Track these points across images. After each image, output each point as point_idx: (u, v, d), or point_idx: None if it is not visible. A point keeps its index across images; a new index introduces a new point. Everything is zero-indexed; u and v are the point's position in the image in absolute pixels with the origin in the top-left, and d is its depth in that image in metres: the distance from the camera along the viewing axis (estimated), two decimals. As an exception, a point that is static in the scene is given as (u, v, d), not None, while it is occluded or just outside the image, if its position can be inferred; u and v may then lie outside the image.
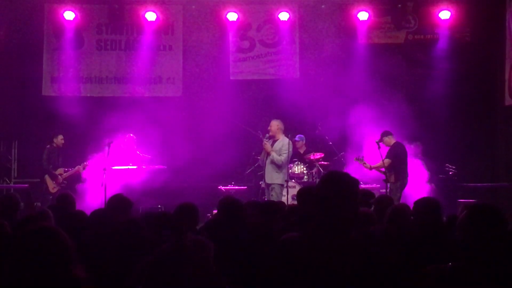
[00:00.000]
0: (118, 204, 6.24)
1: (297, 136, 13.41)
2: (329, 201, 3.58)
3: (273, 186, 11.75)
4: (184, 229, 4.35)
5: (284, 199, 11.55)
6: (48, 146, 12.68)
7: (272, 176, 11.79)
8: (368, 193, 7.46)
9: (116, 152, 12.53)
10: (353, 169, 11.93)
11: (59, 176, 12.66)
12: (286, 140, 11.93)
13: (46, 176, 12.50)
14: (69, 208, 7.52)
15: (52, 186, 12.47)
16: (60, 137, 12.76)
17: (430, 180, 13.02)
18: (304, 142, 13.66)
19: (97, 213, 5.94)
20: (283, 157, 11.73)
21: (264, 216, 6.28)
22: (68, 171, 12.76)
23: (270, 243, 4.53)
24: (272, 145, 11.89)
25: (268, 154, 11.83)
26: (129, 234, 4.11)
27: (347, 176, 3.71)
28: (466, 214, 3.84)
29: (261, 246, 5.13)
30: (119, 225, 4.09)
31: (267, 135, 11.99)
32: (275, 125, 12.01)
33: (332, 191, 3.60)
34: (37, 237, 3.32)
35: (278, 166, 11.75)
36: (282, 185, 11.79)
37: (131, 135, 12.94)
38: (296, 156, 13.03)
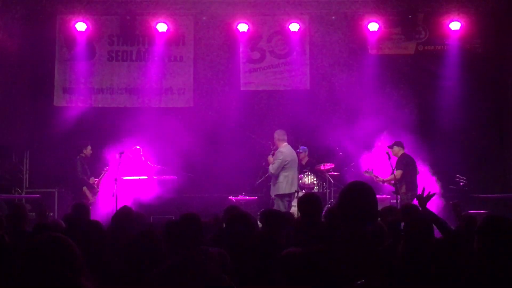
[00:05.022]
0: (123, 216, 6.27)
1: (301, 147, 13.16)
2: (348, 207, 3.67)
3: (274, 198, 11.70)
4: (192, 240, 4.34)
5: (294, 209, 11.42)
6: (78, 157, 12.64)
7: (272, 189, 11.76)
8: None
9: (127, 163, 12.55)
10: (363, 179, 11.88)
11: (95, 185, 12.67)
12: (283, 148, 11.75)
13: (85, 188, 12.44)
14: (84, 218, 7.57)
15: (90, 196, 12.45)
16: (89, 147, 12.74)
17: (441, 193, 12.94)
18: (306, 153, 13.48)
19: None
20: (274, 165, 11.55)
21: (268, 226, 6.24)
22: (95, 180, 12.75)
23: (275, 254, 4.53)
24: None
25: None
26: (138, 246, 4.12)
27: (362, 184, 3.79)
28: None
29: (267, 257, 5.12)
30: (128, 237, 4.11)
31: (272, 147, 11.88)
32: (275, 136, 11.88)
33: (350, 199, 3.69)
34: (46, 246, 3.33)
35: (274, 177, 11.66)
36: (281, 197, 11.64)
37: (138, 147, 12.92)
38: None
